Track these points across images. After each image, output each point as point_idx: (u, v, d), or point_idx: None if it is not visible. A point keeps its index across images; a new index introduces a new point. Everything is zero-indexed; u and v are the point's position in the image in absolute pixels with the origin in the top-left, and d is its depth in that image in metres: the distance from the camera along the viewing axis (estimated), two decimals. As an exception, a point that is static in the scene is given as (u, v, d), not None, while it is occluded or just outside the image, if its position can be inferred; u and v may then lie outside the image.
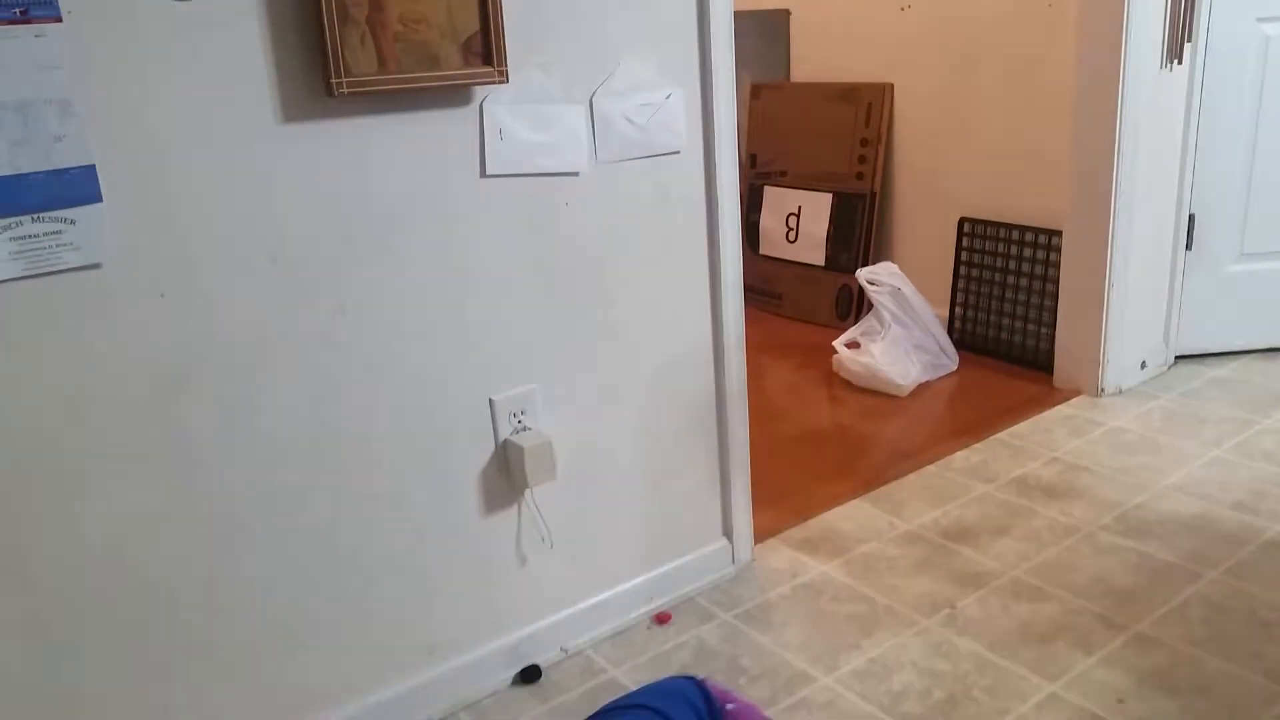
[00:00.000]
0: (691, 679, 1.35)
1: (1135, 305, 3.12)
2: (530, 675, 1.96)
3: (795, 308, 4.03)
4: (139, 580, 1.53)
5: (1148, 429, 2.89)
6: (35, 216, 1.33)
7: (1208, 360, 3.31)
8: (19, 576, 1.43)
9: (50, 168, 1.33)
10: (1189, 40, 2.98)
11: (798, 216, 4.01)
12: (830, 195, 3.89)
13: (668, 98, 1.92)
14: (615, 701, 1.32)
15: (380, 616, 1.80)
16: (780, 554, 2.37)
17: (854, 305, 3.82)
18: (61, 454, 1.43)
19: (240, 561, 1.62)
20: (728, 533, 2.29)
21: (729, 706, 1.29)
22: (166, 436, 1.51)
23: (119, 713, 1.56)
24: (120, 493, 1.48)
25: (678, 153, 1.97)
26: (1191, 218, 3.18)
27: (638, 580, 2.15)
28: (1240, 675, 1.86)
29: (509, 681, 1.96)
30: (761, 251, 4.13)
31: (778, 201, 4.09)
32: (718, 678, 1.94)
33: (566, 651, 2.04)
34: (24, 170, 1.32)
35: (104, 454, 1.46)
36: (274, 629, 1.67)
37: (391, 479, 1.74)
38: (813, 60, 4.01)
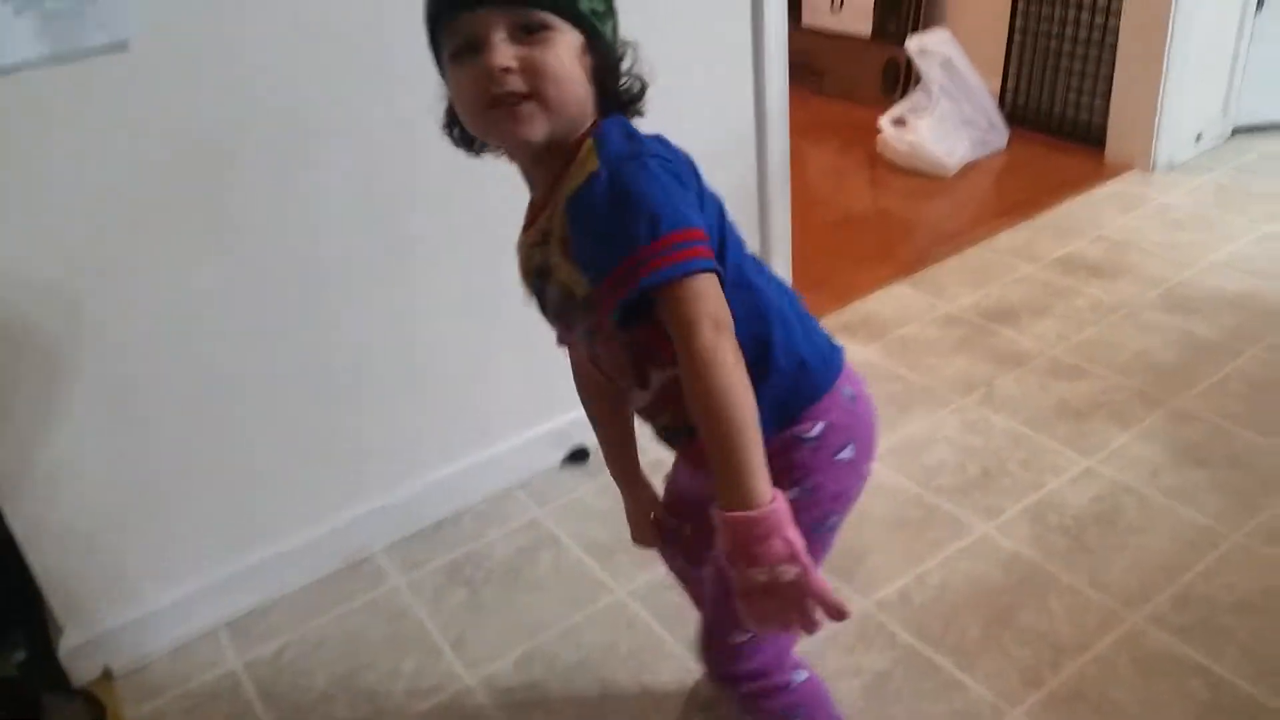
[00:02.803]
0: None
1: (1196, 71, 2.96)
2: (579, 456, 2.05)
3: (838, 85, 3.89)
4: (205, 358, 1.59)
5: (1199, 205, 2.82)
6: (54, -9, 1.28)
7: (1267, 132, 3.17)
8: (95, 358, 1.50)
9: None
10: None
11: (842, -17, 3.79)
12: (878, -42, 3.66)
13: None
14: None
15: (438, 397, 1.86)
16: (820, 337, 2.39)
17: (901, 80, 3.66)
18: (116, 237, 1.46)
19: (299, 341, 1.67)
20: (768, 317, 2.31)
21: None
22: (217, 219, 1.53)
23: (201, 485, 1.66)
24: (178, 273, 1.52)
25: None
26: (1266, -26, 2.97)
27: (680, 365, 2.19)
28: (1274, 449, 1.89)
29: (559, 462, 2.05)
30: (803, 23, 3.93)
31: (821, -33, 3.86)
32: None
33: (612, 434, 2.11)
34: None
35: (157, 236, 1.49)
36: (337, 406, 1.75)
37: (440, 268, 1.76)
38: None
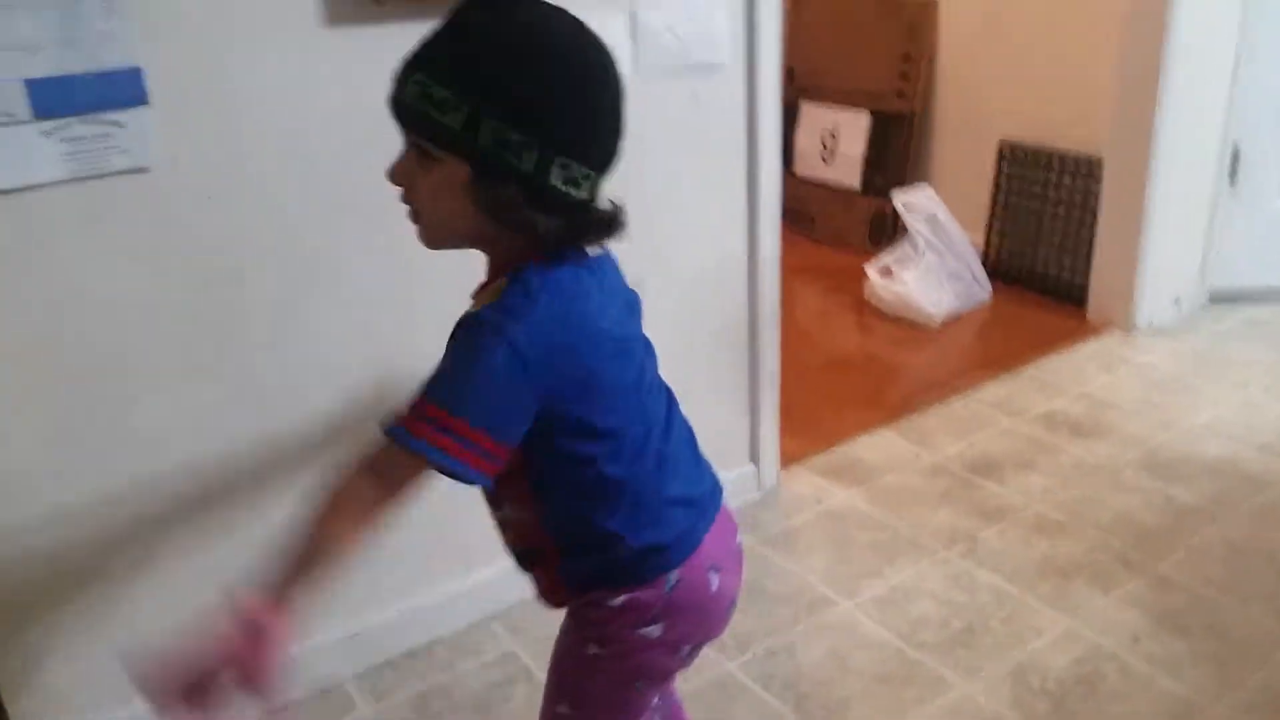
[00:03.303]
0: None
1: (1173, 239, 3.06)
2: (558, 589, 2.02)
3: (828, 231, 3.99)
4: (193, 473, 1.59)
5: (1179, 368, 2.88)
6: (83, 119, 1.34)
7: (1242, 300, 3.27)
8: (98, 463, 1.51)
9: (97, 69, 1.33)
10: (1248, -36, 2.88)
11: (834, 136, 3.94)
12: (868, 115, 3.82)
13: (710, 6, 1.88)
14: None
15: (416, 524, 1.83)
16: (805, 480, 2.40)
17: (888, 231, 3.77)
18: (125, 353, 1.48)
19: (285, 459, 1.66)
20: (754, 458, 2.32)
21: None
22: (222, 337, 1.56)
23: (170, 602, 1.62)
24: (184, 391, 1.54)
25: (719, 65, 1.94)
26: (1235, 151, 3.11)
27: (664, 501, 2.19)
28: (1253, 618, 1.89)
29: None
30: (795, 171, 4.07)
31: (814, 119, 4.02)
32: (741, 599, 1.99)
33: (593, 567, 2.09)
34: (71, 71, 1.32)
35: (164, 354, 1.51)
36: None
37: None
38: (858, -26, 3.89)
